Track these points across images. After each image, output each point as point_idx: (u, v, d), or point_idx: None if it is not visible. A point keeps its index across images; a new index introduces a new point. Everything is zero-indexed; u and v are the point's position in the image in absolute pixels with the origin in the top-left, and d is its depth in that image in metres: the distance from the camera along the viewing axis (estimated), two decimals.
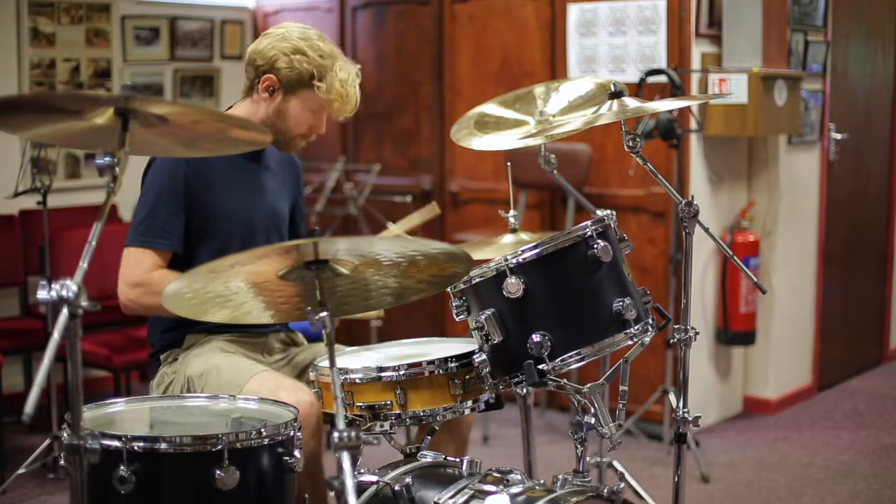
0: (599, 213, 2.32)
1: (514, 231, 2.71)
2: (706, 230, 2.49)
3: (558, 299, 2.21)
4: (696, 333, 2.49)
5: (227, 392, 2.49)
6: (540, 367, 2.18)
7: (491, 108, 2.97)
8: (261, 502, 2.08)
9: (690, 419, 2.47)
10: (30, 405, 1.59)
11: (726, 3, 4.58)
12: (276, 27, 2.76)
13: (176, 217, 2.65)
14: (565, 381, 2.24)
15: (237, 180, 2.75)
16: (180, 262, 2.66)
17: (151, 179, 2.68)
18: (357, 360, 2.50)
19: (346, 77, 2.68)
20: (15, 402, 4.76)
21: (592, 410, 2.28)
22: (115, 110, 1.90)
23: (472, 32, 5.24)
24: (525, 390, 2.55)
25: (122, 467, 1.95)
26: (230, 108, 2.84)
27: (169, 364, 2.74)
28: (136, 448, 1.98)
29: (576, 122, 2.55)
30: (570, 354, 2.19)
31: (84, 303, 1.69)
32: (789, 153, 5.02)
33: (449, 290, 2.28)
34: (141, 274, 2.62)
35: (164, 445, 2.00)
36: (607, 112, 2.44)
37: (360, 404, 2.33)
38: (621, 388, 2.39)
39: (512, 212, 2.71)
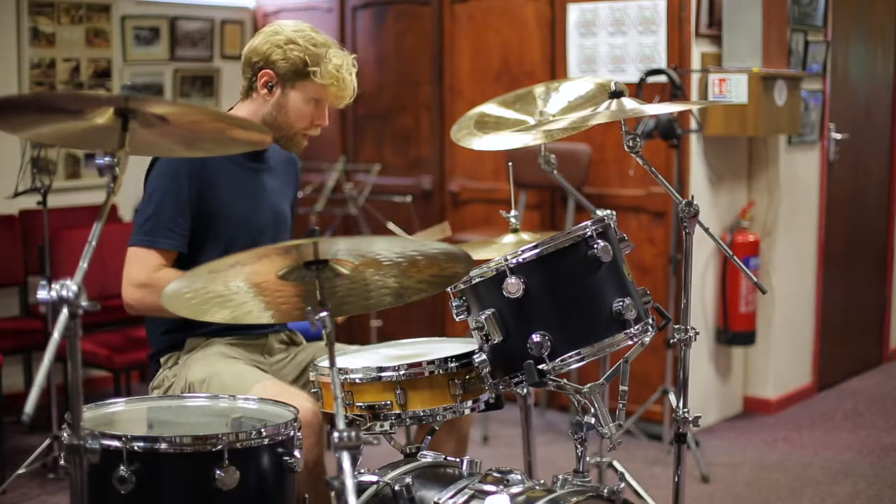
0: (599, 213, 2.31)
1: (515, 231, 2.70)
2: (706, 230, 2.49)
3: (558, 299, 2.21)
4: (696, 333, 2.49)
5: None
6: (540, 367, 2.18)
7: (491, 108, 2.97)
8: (261, 502, 2.07)
9: (690, 419, 2.47)
10: (30, 405, 1.59)
11: (726, 3, 4.58)
12: (270, 25, 2.76)
13: (180, 216, 2.64)
14: (565, 381, 2.24)
15: (240, 181, 2.74)
16: (185, 262, 2.65)
17: (155, 179, 2.67)
18: (357, 360, 2.50)
19: (340, 63, 2.68)
20: (15, 402, 4.76)
21: (592, 410, 2.27)
22: (115, 110, 1.90)
23: (472, 32, 5.24)
24: (525, 390, 2.56)
25: (122, 467, 1.95)
26: (230, 109, 2.83)
27: (169, 367, 2.72)
28: (136, 448, 1.98)
29: (571, 120, 2.55)
30: (570, 354, 2.19)
31: (84, 303, 1.69)
32: (789, 153, 5.02)
33: (449, 290, 2.28)
34: (146, 274, 2.60)
35: (164, 445, 1.99)
36: (604, 111, 2.44)
37: (360, 404, 2.33)
38: (621, 388, 2.39)
39: (513, 212, 2.71)
